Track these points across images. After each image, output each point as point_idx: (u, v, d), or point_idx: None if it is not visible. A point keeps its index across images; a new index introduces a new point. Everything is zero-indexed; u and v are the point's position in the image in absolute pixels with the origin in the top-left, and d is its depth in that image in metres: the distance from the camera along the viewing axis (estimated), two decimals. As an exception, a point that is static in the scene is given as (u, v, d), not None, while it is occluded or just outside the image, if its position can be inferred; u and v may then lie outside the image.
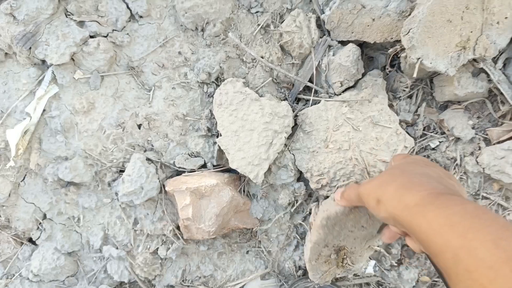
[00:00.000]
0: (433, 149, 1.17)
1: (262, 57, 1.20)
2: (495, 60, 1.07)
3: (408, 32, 0.96)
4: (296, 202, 1.19)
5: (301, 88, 1.19)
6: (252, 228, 1.22)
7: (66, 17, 1.17)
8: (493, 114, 1.14)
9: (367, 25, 1.08)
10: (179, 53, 1.21)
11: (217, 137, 1.16)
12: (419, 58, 0.98)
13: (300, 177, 1.18)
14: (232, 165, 1.11)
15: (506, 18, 0.99)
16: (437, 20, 0.95)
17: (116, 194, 1.18)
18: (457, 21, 0.97)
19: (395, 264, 1.24)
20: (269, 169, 1.15)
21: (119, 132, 1.18)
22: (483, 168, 1.12)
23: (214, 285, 1.25)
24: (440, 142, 1.16)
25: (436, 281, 1.24)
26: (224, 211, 1.11)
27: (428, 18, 0.94)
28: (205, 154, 1.18)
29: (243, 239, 1.25)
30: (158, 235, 1.19)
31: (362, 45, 1.15)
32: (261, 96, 1.16)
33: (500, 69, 1.07)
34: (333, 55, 1.13)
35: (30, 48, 1.14)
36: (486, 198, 1.16)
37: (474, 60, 1.07)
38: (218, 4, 1.16)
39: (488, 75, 1.08)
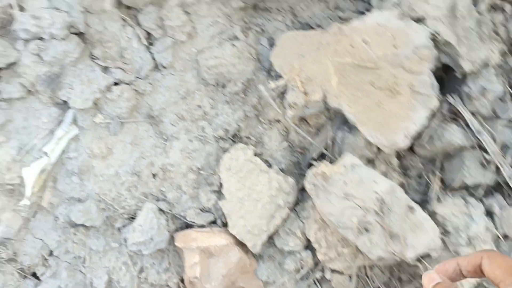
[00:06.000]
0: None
1: (278, 121, 1.23)
2: (504, 154, 1.12)
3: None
4: (302, 269, 1.21)
5: (314, 155, 1.22)
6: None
7: (91, 60, 1.18)
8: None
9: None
10: (199, 106, 1.24)
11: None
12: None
13: (309, 244, 1.20)
14: (232, 231, 1.15)
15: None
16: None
17: (125, 240, 1.20)
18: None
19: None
20: (277, 233, 1.18)
21: (134, 180, 1.20)
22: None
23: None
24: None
25: None
26: (231, 272, 1.14)
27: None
28: (216, 210, 1.21)
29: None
30: (162, 286, 1.21)
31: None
32: (269, 166, 1.19)
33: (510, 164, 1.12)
34: (349, 131, 1.16)
35: (53, 88, 1.16)
36: None
37: (485, 151, 1.11)
38: (242, 65, 1.19)
39: (497, 168, 1.12)
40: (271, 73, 1.23)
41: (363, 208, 1.04)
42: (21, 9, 1.10)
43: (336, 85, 1.05)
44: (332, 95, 1.08)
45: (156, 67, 1.23)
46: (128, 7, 1.16)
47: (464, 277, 0.54)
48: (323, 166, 1.09)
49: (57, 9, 1.09)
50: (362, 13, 1.14)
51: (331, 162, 1.20)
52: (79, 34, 1.14)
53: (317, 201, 1.09)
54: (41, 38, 1.11)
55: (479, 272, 0.52)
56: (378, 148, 1.15)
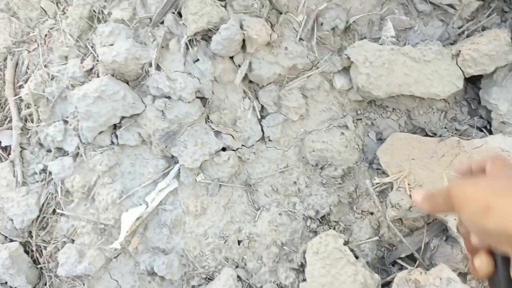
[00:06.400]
0: None
1: (371, 213, 1.24)
2: None
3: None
4: None
5: (402, 254, 1.21)
6: None
7: (206, 123, 1.24)
8: None
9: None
10: (295, 183, 1.27)
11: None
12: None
13: None
14: None
15: None
16: None
17: (199, 301, 1.21)
18: None
19: None
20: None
21: (220, 243, 1.22)
22: None
23: None
24: None
25: None
26: None
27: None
28: (294, 290, 1.20)
29: None
30: None
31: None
32: (356, 256, 1.18)
33: None
34: (446, 240, 1.15)
35: (167, 144, 1.21)
36: None
37: None
38: (347, 154, 1.22)
39: None
40: (372, 165, 1.25)
41: None
42: (158, 68, 1.18)
43: (446, 197, 1.06)
44: (438, 205, 1.08)
45: (263, 139, 1.27)
46: (251, 82, 1.23)
47: (472, 173, 0.62)
48: (417, 273, 1.08)
49: (190, 75, 1.17)
50: (479, 129, 1.16)
51: (418, 266, 1.19)
52: (202, 99, 1.21)
53: None
54: (168, 97, 1.18)
55: (483, 171, 0.60)
56: (472, 265, 1.13)
